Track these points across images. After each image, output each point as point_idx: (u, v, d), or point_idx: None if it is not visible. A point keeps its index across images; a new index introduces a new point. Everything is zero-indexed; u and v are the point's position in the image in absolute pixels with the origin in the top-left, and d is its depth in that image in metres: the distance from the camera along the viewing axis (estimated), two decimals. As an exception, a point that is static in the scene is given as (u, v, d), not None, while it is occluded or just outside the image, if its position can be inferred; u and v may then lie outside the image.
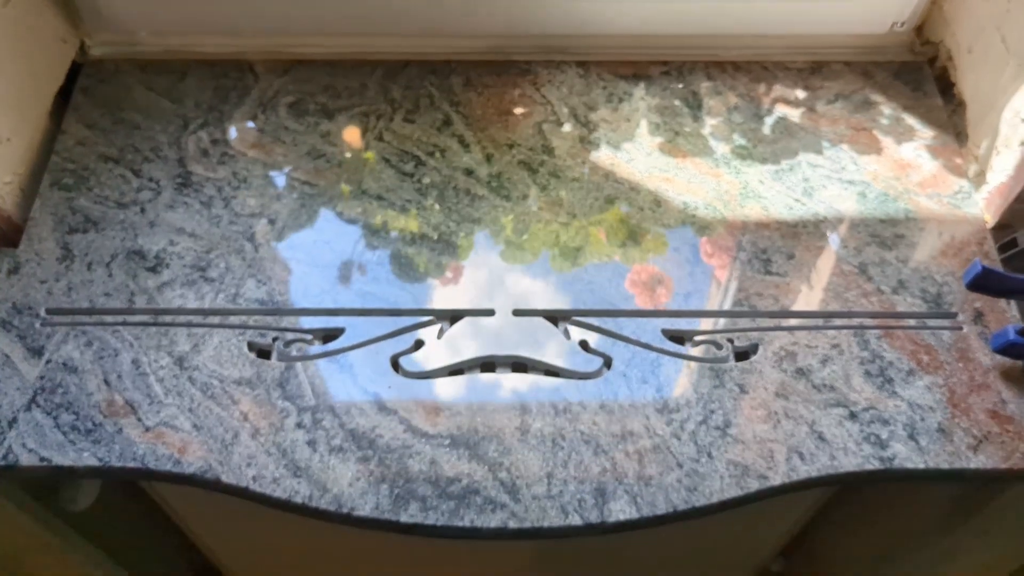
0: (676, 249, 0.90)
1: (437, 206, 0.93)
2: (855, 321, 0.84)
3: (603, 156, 0.97)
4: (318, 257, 0.88)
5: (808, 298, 0.86)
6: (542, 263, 0.89)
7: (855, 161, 0.97)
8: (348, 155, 0.96)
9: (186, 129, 0.98)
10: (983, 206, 0.92)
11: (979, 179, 0.94)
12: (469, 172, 0.96)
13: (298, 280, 0.87)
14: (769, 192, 0.94)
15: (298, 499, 0.73)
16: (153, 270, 0.87)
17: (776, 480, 0.75)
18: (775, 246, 0.90)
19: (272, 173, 0.95)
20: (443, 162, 0.96)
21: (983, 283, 0.74)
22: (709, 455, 0.76)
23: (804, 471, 0.75)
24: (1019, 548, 0.98)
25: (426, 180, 0.95)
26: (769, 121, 1.00)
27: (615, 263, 0.89)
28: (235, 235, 0.90)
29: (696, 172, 0.96)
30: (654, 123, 1.00)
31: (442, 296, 0.86)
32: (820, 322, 0.84)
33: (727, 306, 0.86)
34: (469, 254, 0.89)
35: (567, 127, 1.00)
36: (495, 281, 0.87)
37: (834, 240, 0.90)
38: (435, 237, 0.91)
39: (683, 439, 0.77)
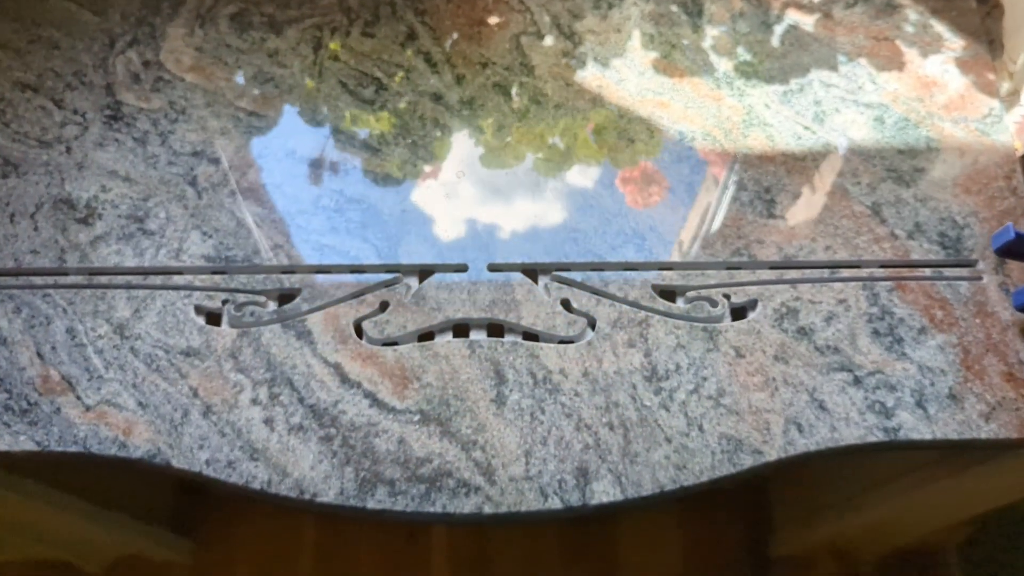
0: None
1: (402, 140, 0.83)
2: (864, 272, 0.76)
3: (590, 76, 0.86)
4: (269, 203, 0.79)
5: (814, 246, 0.77)
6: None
7: (873, 79, 0.85)
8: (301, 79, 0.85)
9: (112, 48, 0.86)
10: (1014, 131, 0.82)
11: (1012, 99, 0.83)
12: (438, 98, 0.84)
13: (247, 231, 0.78)
14: (776, 118, 0.83)
15: (256, 485, 0.68)
16: (84, 222, 0.77)
17: (772, 455, 0.69)
18: (779, 184, 0.80)
19: (213, 102, 0.83)
20: (407, 85, 0.85)
21: (1015, 249, 0.65)
22: (700, 428, 0.70)
23: (802, 444, 0.70)
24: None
25: (389, 107, 0.84)
26: (779, 30, 0.88)
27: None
28: (175, 179, 0.80)
29: (694, 95, 0.85)
30: (648, 34, 0.88)
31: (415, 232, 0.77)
32: (826, 273, 0.76)
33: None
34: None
35: (548, 40, 0.88)
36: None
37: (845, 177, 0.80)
38: (400, 177, 0.81)
39: (672, 410, 0.71)
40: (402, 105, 0.84)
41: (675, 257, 0.77)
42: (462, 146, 0.82)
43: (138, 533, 1.19)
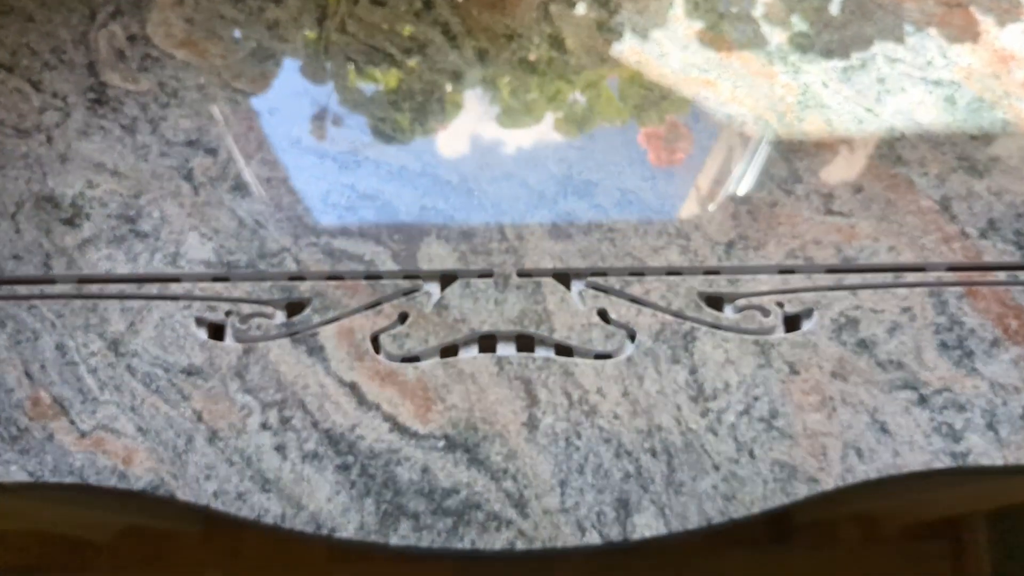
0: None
1: (419, 126, 0.74)
2: (932, 276, 0.69)
3: (627, 50, 0.77)
4: (273, 200, 0.72)
5: (876, 247, 0.70)
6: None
7: (944, 52, 0.76)
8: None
9: (93, 20, 0.77)
10: (1099, 112, 0.74)
11: (1098, 75, 0.75)
12: (457, 76, 0.76)
13: (250, 232, 0.70)
14: (834, 99, 0.75)
15: (268, 519, 0.63)
16: (70, 223, 0.70)
17: (828, 483, 0.64)
18: (838, 175, 0.72)
19: (208, 83, 0.75)
20: (424, 62, 0.76)
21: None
22: (751, 454, 0.64)
23: (862, 471, 0.64)
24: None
25: (403, 88, 0.75)
26: (838, -4, 0.79)
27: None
28: (168, 172, 0.72)
29: (744, 71, 0.76)
30: (692, 1, 0.78)
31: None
32: (890, 278, 0.69)
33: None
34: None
35: (580, 8, 0.78)
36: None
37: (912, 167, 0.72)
38: (418, 169, 0.73)
39: (721, 434, 0.65)
40: (417, 85, 0.75)
41: (721, 259, 0.70)
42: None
43: (145, 501, 1.15)
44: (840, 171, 0.72)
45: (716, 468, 0.64)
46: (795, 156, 0.73)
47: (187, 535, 1.32)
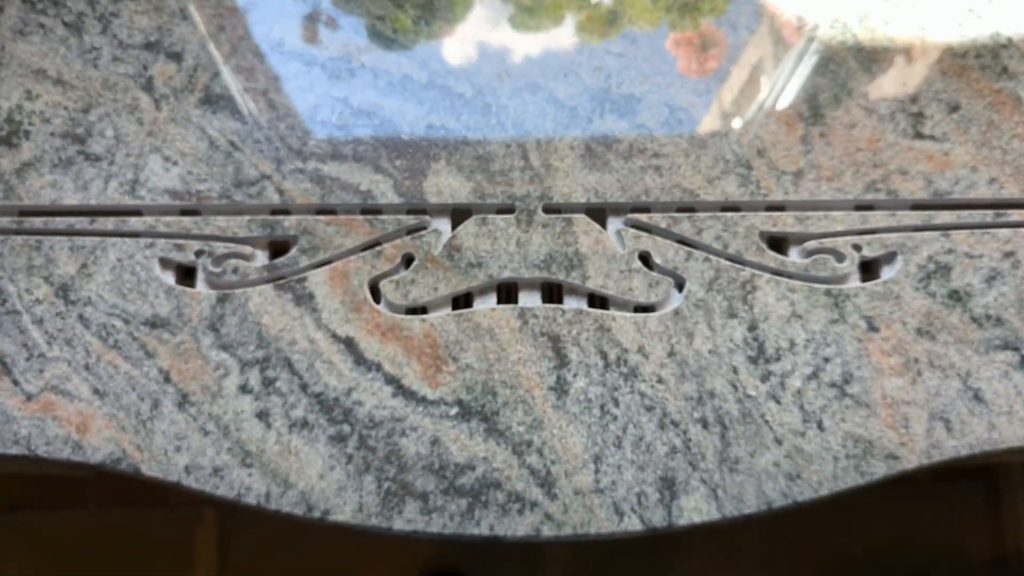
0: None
1: (424, 27, 0.62)
2: (1040, 214, 0.58)
3: (676, -66, 0.63)
4: (251, 116, 0.59)
5: (974, 178, 0.58)
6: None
7: (1063, -61, 0.63)
8: (284, -64, 0.62)
9: None
10: None
11: None
12: (471, -35, 0.63)
13: (223, 156, 0.59)
14: (927, -4, 0.62)
15: (251, 499, 0.53)
16: (7, 142, 0.58)
17: (911, 461, 0.54)
18: (931, 90, 0.60)
19: (170, -30, 0.62)
20: (431, -52, 0.63)
21: None
22: (820, 426, 0.54)
23: (951, 447, 0.54)
24: None
25: (406, -21, 0.62)
26: None
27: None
28: (123, 81, 0.60)
29: (818, -38, 0.63)
30: None
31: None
32: (989, 216, 0.58)
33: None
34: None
35: None
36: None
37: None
38: (424, 79, 0.61)
39: (784, 402, 0.55)
40: (423, -24, 0.62)
41: (788, 192, 0.58)
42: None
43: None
44: (933, 86, 0.60)
45: (778, 442, 0.54)
46: (879, 67, 0.61)
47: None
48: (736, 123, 0.60)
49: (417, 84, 0.60)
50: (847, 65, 0.61)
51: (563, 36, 0.62)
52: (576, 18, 0.63)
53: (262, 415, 0.54)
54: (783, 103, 0.60)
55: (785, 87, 0.60)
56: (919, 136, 0.59)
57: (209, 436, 0.54)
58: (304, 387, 0.55)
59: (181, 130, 0.59)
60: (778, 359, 0.55)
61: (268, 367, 0.55)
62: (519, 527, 0.53)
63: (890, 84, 0.60)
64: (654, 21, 0.64)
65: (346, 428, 0.54)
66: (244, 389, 0.55)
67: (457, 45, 0.62)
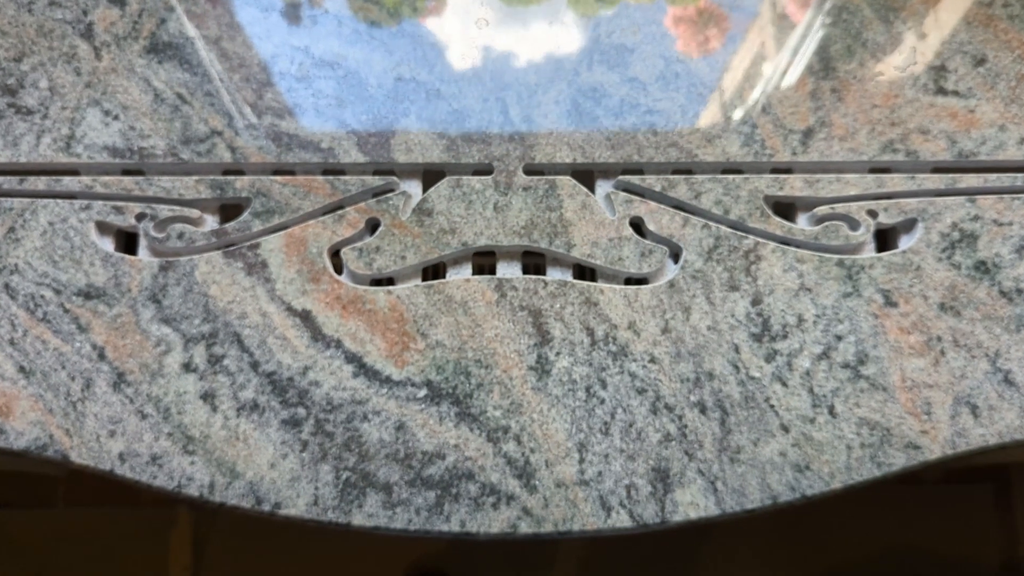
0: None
1: (395, -30, 0.56)
2: (1076, 178, 0.52)
3: None
4: (200, 67, 0.54)
5: (1002, 138, 0.53)
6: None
7: None
8: None
9: None
10: None
11: None
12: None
13: (170, 110, 0.53)
14: (951, -61, 0.56)
15: (192, 490, 0.47)
16: (-70, 94, 0.53)
17: (934, 451, 0.48)
18: (955, 41, 0.54)
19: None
20: None
21: None
22: (831, 411, 0.48)
23: (978, 436, 0.48)
24: None
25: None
26: None
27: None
28: (60, 28, 0.54)
29: (830, -98, 0.57)
30: None
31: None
32: (1020, 179, 0.52)
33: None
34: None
35: None
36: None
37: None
38: (392, 27, 0.55)
39: (792, 384, 0.49)
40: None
41: (796, 153, 0.52)
42: None
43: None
44: (956, 36, 0.54)
45: (785, 429, 0.48)
46: (896, 14, 0.55)
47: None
48: (738, 76, 0.54)
49: (386, 32, 0.55)
50: (861, 14, 0.55)
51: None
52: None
53: (207, 396, 0.48)
54: (791, 55, 0.54)
55: (791, 39, 0.55)
56: (941, 92, 0.53)
57: (147, 420, 0.48)
58: (255, 365, 0.49)
59: (123, 81, 0.53)
60: (785, 337, 0.50)
61: (215, 343, 0.49)
62: (494, 523, 0.47)
63: (909, 35, 0.54)
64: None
65: (301, 412, 0.48)
66: (188, 367, 0.49)
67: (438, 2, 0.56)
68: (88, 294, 0.50)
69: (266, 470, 0.47)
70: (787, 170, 0.53)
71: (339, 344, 0.49)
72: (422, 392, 0.49)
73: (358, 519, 0.47)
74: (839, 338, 0.50)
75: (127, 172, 0.52)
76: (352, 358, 0.49)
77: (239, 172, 0.52)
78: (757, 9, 0.56)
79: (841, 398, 0.49)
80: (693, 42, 0.55)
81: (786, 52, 0.54)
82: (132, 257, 0.51)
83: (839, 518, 0.97)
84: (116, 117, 0.52)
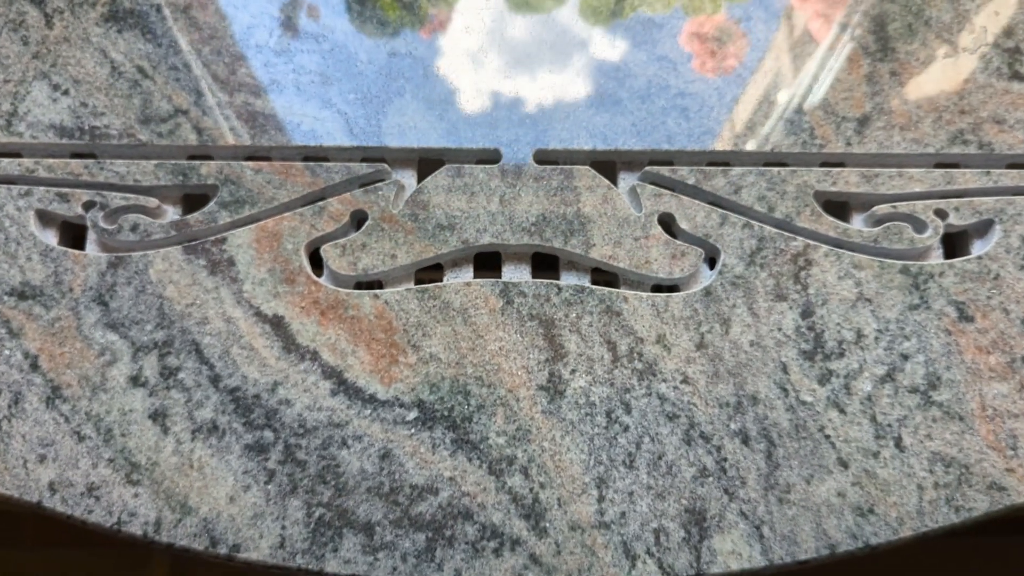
0: None
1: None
2: None
3: None
4: (166, 36, 0.47)
5: (1091, 129, 0.46)
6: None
7: None
8: None
9: None
10: None
11: None
12: None
13: (128, 85, 0.46)
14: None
15: (135, 528, 0.40)
16: None
17: (1021, 493, 0.41)
18: (1030, 21, 0.48)
19: None
20: None
21: None
22: (898, 444, 0.41)
23: (1072, 476, 0.41)
24: None
25: None
26: None
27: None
28: (8, -8, 0.47)
29: None
30: None
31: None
32: (1110, 177, 0.45)
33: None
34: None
35: None
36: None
37: None
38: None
39: (851, 412, 0.41)
40: None
41: (851, 143, 0.45)
42: None
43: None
44: (1032, 16, 0.48)
45: (843, 465, 0.41)
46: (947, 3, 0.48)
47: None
48: (784, 56, 0.47)
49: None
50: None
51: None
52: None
53: (157, 416, 0.41)
54: (843, 34, 0.47)
55: (846, 16, 0.48)
56: (1016, 77, 0.46)
57: (85, 443, 0.40)
58: (215, 380, 0.41)
59: (76, 52, 0.46)
60: (841, 355, 0.42)
61: (169, 353, 0.42)
62: (495, 572, 0.39)
63: (978, 12, 0.48)
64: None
65: (268, 435, 0.41)
66: (136, 381, 0.41)
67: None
68: (23, 293, 0.42)
69: (224, 505, 0.40)
70: (840, 163, 0.46)
71: (316, 356, 0.42)
72: (412, 414, 0.41)
73: (332, 565, 0.39)
74: (905, 357, 0.42)
75: (76, 155, 0.45)
76: (331, 373, 0.42)
77: (206, 156, 0.45)
78: (801, -15, 0.49)
79: (910, 428, 0.41)
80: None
81: (834, 28, 0.48)
82: (76, 252, 0.43)
83: (911, 574, 0.87)
84: (66, 92, 0.46)
